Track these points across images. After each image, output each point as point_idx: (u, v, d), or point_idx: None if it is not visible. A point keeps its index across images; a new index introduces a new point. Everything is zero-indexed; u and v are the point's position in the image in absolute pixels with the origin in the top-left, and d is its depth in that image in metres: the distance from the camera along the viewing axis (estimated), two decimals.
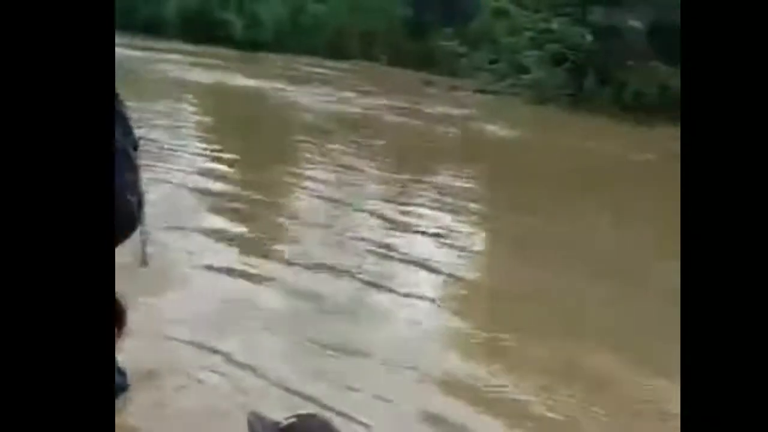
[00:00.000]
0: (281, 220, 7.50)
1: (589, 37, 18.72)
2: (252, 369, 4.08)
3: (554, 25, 19.15)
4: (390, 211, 8.03)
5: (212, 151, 10.34)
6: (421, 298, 5.58)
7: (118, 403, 3.40)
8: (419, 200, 8.80)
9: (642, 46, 18.64)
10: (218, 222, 6.97)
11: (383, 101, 17.39)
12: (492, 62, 20.96)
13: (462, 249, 6.96)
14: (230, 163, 9.59)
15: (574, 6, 19.14)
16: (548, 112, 18.34)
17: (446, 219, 7.97)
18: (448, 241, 7.10)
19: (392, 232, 7.25)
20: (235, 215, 7.24)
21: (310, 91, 17.89)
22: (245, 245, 6.35)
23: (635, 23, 18.16)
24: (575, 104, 18.91)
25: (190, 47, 24.58)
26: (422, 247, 6.87)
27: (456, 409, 3.95)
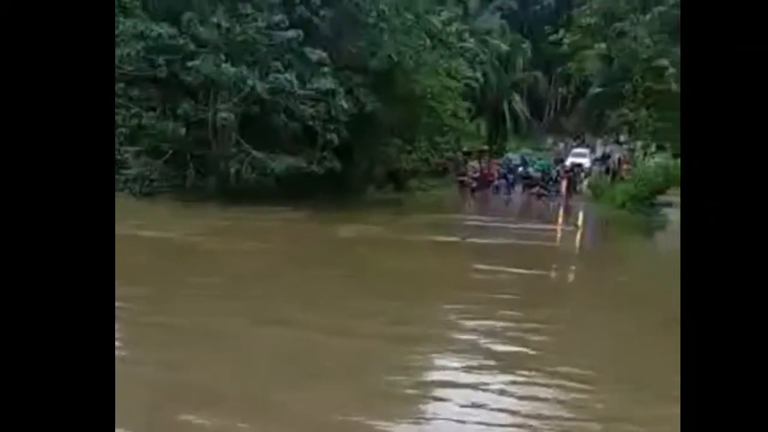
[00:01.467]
0: None
1: (182, 131, 19.14)
2: None
3: (145, 121, 19.24)
4: None
5: None
6: None
7: None
8: None
9: (233, 136, 19.64)
10: None
11: None
12: None
13: None
14: None
15: (162, 102, 19.51)
16: (153, 205, 18.29)
17: None
18: None
19: None
20: None
21: None
22: None
23: (225, 115, 19.02)
24: (182, 195, 19.13)
25: None
26: None
27: None
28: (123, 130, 19.65)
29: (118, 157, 19.64)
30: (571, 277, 12.98)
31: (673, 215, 19.66)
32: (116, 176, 19.75)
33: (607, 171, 31.09)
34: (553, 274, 12.81)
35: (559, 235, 18.83)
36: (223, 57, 18.78)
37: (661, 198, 21.64)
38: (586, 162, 33.65)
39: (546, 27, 29.34)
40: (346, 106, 19.51)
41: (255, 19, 19.14)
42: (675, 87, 21.38)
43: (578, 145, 39.44)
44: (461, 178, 30.08)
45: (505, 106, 41.87)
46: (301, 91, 19.14)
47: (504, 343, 7.26)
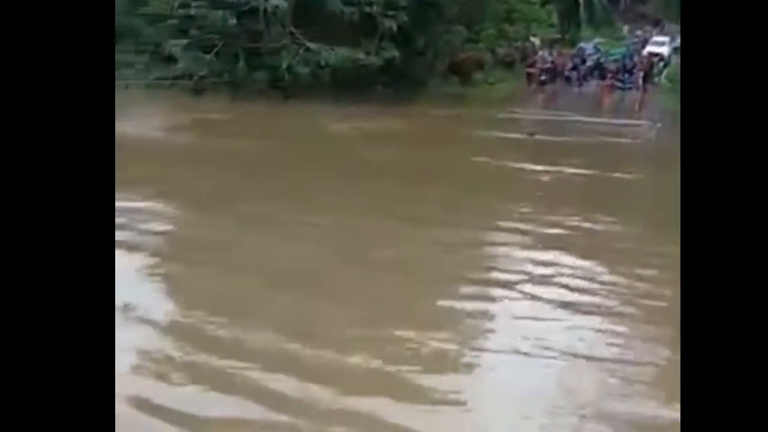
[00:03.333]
0: None
1: (232, 21, 18.10)
2: None
3: (194, 11, 18.21)
4: None
5: None
6: None
7: None
8: None
9: (286, 26, 18.52)
10: None
11: None
12: (137, 53, 19.46)
13: None
14: None
15: None
16: (203, 102, 17.55)
17: None
18: None
19: None
20: None
21: None
22: None
23: (277, 2, 17.89)
24: (234, 90, 18.29)
25: None
26: None
27: None
28: (172, 21, 18.79)
29: (166, 52, 18.85)
30: (642, 179, 11.74)
31: None
32: (164, 72, 19.03)
33: None
34: (622, 175, 11.62)
35: (635, 130, 17.37)
36: None
37: None
38: (665, 51, 31.26)
39: None
40: None
41: None
42: None
43: (658, 33, 36.68)
44: (530, 70, 28.21)
45: None
46: None
47: None
